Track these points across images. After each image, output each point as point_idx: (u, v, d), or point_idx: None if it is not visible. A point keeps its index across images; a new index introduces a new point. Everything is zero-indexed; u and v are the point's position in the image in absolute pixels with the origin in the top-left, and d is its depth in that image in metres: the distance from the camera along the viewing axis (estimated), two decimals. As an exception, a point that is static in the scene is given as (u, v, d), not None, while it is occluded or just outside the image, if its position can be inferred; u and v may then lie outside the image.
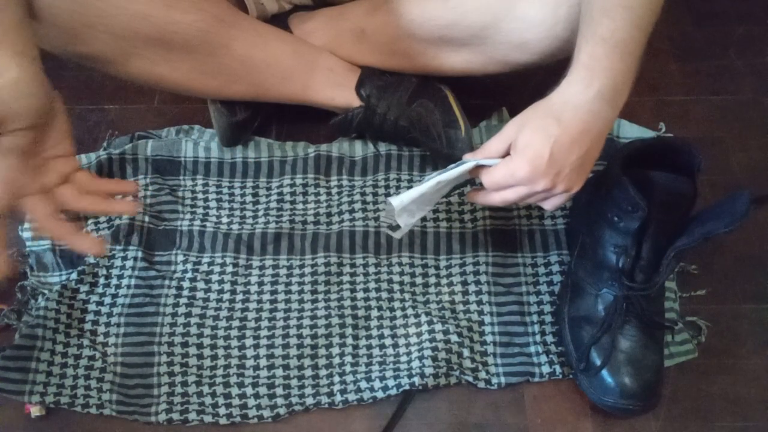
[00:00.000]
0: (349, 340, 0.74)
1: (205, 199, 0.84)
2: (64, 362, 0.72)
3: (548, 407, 0.71)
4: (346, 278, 0.78)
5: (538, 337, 0.74)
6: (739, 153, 0.87)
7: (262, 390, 0.71)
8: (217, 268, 0.79)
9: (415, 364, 0.71)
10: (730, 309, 0.76)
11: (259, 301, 0.77)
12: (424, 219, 0.81)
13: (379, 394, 0.70)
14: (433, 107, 0.80)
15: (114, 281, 0.77)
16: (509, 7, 0.69)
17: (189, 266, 0.78)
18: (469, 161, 0.62)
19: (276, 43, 0.77)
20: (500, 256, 0.79)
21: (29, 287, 0.77)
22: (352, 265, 0.79)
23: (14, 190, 0.52)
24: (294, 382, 0.72)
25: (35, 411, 0.70)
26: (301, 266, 0.79)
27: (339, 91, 0.81)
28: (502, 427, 0.70)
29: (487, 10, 0.70)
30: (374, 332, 0.75)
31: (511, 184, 0.59)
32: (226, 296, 0.77)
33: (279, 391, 0.71)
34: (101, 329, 0.74)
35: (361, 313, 0.76)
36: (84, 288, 0.76)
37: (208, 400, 0.70)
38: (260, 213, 0.83)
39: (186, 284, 0.77)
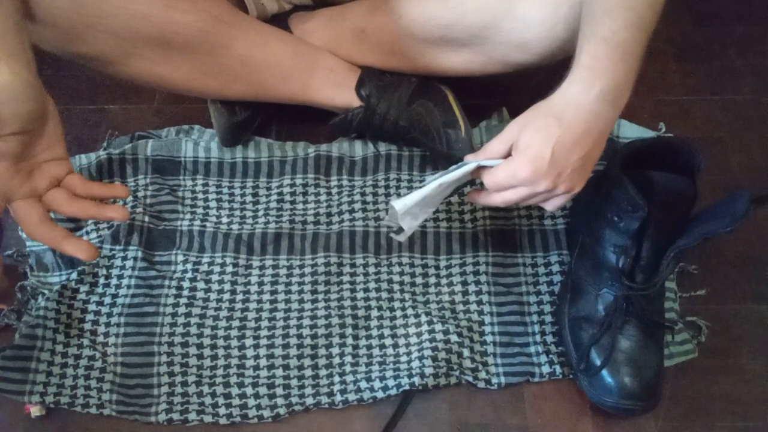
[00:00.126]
0: (349, 340, 0.74)
1: (205, 199, 0.84)
2: (64, 362, 0.72)
3: (548, 407, 0.71)
4: (346, 278, 0.78)
5: (538, 337, 0.74)
6: (739, 153, 0.87)
7: (262, 390, 0.71)
8: (217, 268, 0.79)
9: (415, 364, 0.71)
10: (730, 309, 0.76)
11: (259, 301, 0.77)
12: (425, 219, 0.81)
13: (379, 394, 0.70)
14: (433, 107, 0.80)
15: (114, 281, 0.77)
16: (509, 7, 0.69)
17: (189, 266, 0.78)
18: (471, 162, 0.62)
19: (276, 43, 0.77)
20: (500, 256, 0.79)
21: (29, 287, 0.77)
22: (352, 265, 0.79)
23: (3, 194, 0.52)
24: (294, 382, 0.72)
25: (35, 411, 0.70)
26: (301, 266, 0.79)
27: (339, 91, 0.81)
28: (502, 427, 0.70)
29: (487, 10, 0.70)
30: (374, 332, 0.75)
31: (512, 184, 0.59)
32: (226, 296, 0.77)
33: (279, 391, 0.71)
34: (101, 329, 0.74)
35: (361, 313, 0.76)
36: (84, 288, 0.76)
37: (208, 400, 0.70)
38: (260, 213, 0.83)
39: (186, 284, 0.77)
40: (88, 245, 0.56)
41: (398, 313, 0.75)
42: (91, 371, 0.72)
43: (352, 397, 0.70)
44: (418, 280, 0.78)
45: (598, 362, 0.67)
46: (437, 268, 0.79)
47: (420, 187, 0.63)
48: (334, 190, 0.84)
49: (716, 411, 0.70)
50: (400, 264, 0.79)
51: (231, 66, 0.75)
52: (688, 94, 0.93)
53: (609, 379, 0.66)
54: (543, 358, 0.72)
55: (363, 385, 0.71)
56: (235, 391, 0.71)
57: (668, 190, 0.66)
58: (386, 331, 0.74)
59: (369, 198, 0.83)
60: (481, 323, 0.75)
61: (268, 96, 0.80)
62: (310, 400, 0.70)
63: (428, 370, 0.70)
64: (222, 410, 0.70)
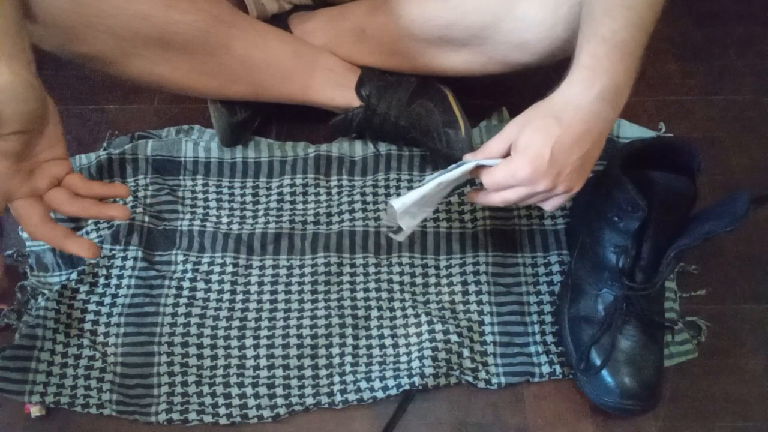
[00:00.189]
0: (349, 340, 0.74)
1: (205, 199, 0.84)
2: (64, 362, 0.72)
3: (548, 407, 0.71)
4: (346, 278, 0.78)
5: (538, 337, 0.74)
6: (739, 153, 0.87)
7: (262, 390, 0.71)
8: (217, 268, 0.79)
9: (415, 364, 0.71)
10: (730, 309, 0.76)
11: (259, 301, 0.77)
12: (424, 219, 0.81)
13: (379, 394, 0.70)
14: (433, 107, 0.80)
15: (114, 281, 0.77)
16: (509, 7, 0.69)
17: (189, 266, 0.78)
18: (470, 161, 0.62)
19: (276, 43, 0.77)
20: (500, 256, 0.79)
21: (29, 287, 0.77)
22: (352, 265, 0.79)
23: (4, 193, 0.52)
24: (294, 382, 0.72)
25: (35, 411, 0.70)
26: (301, 266, 0.79)
27: (339, 91, 0.81)
28: (502, 427, 0.70)
29: (487, 10, 0.70)
30: (374, 332, 0.75)
31: (511, 184, 0.59)
32: (226, 296, 0.77)
33: (279, 391, 0.71)
34: (101, 329, 0.74)
35: (361, 313, 0.76)
36: (84, 288, 0.76)
37: (208, 400, 0.70)
38: (260, 213, 0.83)
39: (186, 284, 0.77)
40: (90, 243, 0.56)
41: (398, 313, 0.75)
42: (91, 371, 0.72)
43: (352, 397, 0.70)
44: (418, 280, 0.78)
45: (598, 362, 0.67)
46: (437, 268, 0.79)
47: (419, 187, 0.63)
48: (334, 190, 0.84)
49: (716, 411, 0.70)
50: (400, 264, 0.79)
51: (231, 66, 0.75)
52: (688, 94, 0.93)
53: (609, 379, 0.66)
54: (543, 358, 0.72)
55: (363, 385, 0.71)
56: (235, 391, 0.71)
57: (668, 190, 0.66)
58: (386, 331, 0.74)
59: (369, 198, 0.83)
60: (481, 323, 0.75)
61: (268, 96, 0.80)
62: (310, 400, 0.70)
63: (428, 370, 0.70)
64: (222, 410, 0.70)
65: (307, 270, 0.78)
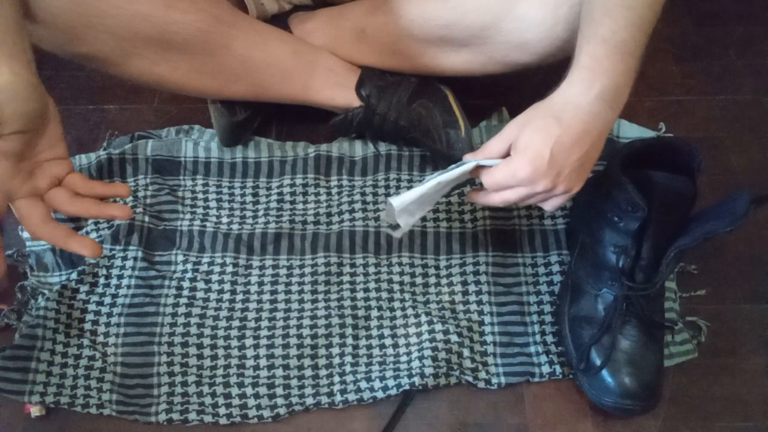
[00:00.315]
0: (349, 340, 0.74)
1: (205, 199, 0.84)
2: (64, 362, 0.72)
3: (548, 407, 0.71)
4: (346, 278, 0.78)
5: (538, 337, 0.74)
6: (739, 153, 0.87)
7: (262, 390, 0.71)
8: (217, 268, 0.79)
9: (415, 364, 0.71)
10: (730, 309, 0.76)
11: (259, 301, 0.77)
12: (424, 219, 0.81)
13: (379, 394, 0.70)
14: (433, 107, 0.80)
15: (114, 281, 0.77)
16: (509, 7, 0.69)
17: (189, 266, 0.78)
18: (470, 161, 0.62)
19: (276, 43, 0.77)
20: (500, 256, 0.79)
21: (29, 287, 0.77)
22: (352, 265, 0.79)
23: (5, 193, 0.52)
24: (294, 382, 0.72)
25: (35, 411, 0.70)
26: (301, 266, 0.79)
27: (339, 91, 0.81)
28: (502, 427, 0.70)
29: (487, 10, 0.70)
30: (374, 332, 0.75)
31: (511, 184, 0.59)
32: (226, 296, 0.77)
33: (279, 391, 0.71)
34: (101, 329, 0.74)
35: (361, 313, 0.76)
36: (84, 288, 0.76)
37: (208, 400, 0.70)
38: (260, 213, 0.83)
39: (186, 284, 0.77)
40: (92, 242, 0.56)
41: (398, 313, 0.75)
42: (91, 371, 0.72)
43: (352, 397, 0.70)
44: (418, 280, 0.78)
45: (598, 362, 0.67)
46: (437, 268, 0.79)
47: (418, 185, 0.63)
48: (334, 190, 0.84)
49: (716, 411, 0.70)
50: (400, 264, 0.79)
51: (231, 66, 0.75)
52: (688, 94, 0.93)
53: (609, 379, 0.66)
54: (543, 358, 0.72)
55: (363, 385, 0.71)
56: (235, 391, 0.71)
57: (668, 190, 0.66)
58: (386, 331, 0.74)
59: (369, 198, 0.83)
60: (481, 323, 0.75)
61: (268, 96, 0.80)
62: (310, 400, 0.70)
63: (428, 370, 0.70)
64: (222, 410, 0.70)
65: (307, 270, 0.78)
